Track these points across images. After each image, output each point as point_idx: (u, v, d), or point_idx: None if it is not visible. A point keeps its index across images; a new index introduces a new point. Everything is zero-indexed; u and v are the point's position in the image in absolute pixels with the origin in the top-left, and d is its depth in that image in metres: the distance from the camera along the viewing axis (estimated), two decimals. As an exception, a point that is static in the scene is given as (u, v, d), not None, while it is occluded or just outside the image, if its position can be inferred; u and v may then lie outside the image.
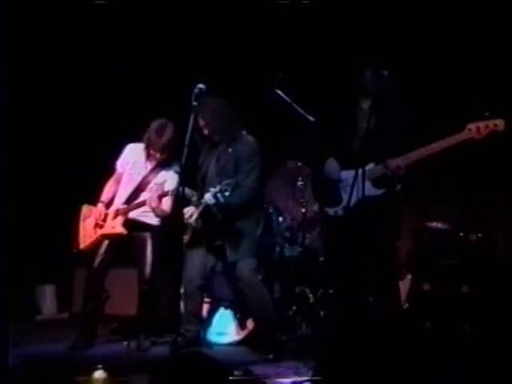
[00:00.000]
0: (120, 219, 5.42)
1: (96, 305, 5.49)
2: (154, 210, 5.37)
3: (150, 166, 5.51)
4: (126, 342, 5.51)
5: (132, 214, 5.44)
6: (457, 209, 6.70)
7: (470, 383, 4.30)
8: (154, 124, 5.39)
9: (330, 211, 4.65)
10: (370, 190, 4.50)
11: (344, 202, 4.44)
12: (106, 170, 5.69)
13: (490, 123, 4.31)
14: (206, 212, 5.06)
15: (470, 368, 4.53)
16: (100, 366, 4.23)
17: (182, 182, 4.80)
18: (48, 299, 7.27)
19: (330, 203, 4.65)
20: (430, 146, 4.43)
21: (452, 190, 6.80)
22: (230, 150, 5.13)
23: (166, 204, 5.40)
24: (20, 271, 5.34)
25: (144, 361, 5.04)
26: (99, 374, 4.21)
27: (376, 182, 4.53)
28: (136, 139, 5.52)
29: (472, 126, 4.34)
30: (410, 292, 5.82)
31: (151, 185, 5.43)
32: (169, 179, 5.43)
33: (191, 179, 5.27)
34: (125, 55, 7.28)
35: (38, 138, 7.14)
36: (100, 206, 5.54)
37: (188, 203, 5.21)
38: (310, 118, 5.26)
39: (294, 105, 5.44)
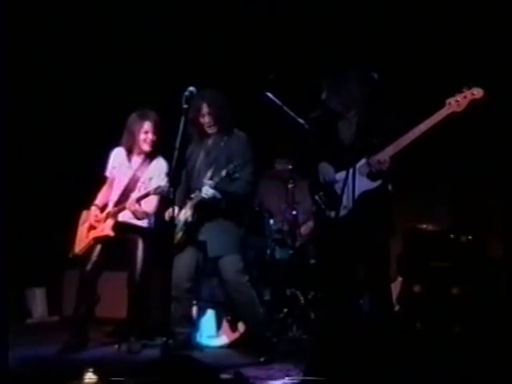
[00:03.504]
0: (110, 222, 5.43)
1: (88, 308, 5.49)
2: (134, 213, 5.38)
3: (134, 165, 5.53)
4: (116, 345, 5.49)
5: (122, 217, 5.44)
6: (447, 211, 6.72)
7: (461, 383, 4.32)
8: (135, 113, 5.48)
9: (333, 214, 4.58)
10: (367, 184, 4.50)
11: (345, 202, 4.43)
12: (100, 175, 5.70)
13: (468, 93, 4.33)
14: (201, 205, 5.04)
15: (461, 369, 4.54)
16: (90, 369, 4.22)
17: (174, 184, 4.80)
18: (38, 302, 7.25)
19: (332, 206, 4.62)
20: (411, 132, 4.40)
21: (442, 192, 6.81)
22: (221, 143, 5.14)
23: (148, 205, 5.39)
24: (10, 274, 5.31)
25: (134, 364, 5.02)
26: (89, 377, 4.20)
27: (371, 176, 4.52)
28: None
29: (451, 100, 4.35)
30: (400, 294, 5.84)
31: (139, 184, 5.44)
32: (155, 176, 5.44)
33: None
34: (116, 57, 7.28)
35: (32, 144, 7.12)
36: (94, 208, 5.56)
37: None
38: (301, 121, 5.26)
39: (285, 107, 5.44)
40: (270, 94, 5.46)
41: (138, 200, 5.32)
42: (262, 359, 4.95)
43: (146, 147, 5.47)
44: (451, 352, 5.05)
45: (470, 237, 5.96)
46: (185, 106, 4.56)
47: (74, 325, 5.47)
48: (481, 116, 6.22)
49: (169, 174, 5.02)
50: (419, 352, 4.89)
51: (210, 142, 5.23)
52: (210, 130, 5.19)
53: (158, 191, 5.21)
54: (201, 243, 5.13)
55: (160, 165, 5.48)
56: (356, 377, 4.10)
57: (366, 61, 4.82)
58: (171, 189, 4.84)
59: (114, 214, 5.44)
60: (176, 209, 5.12)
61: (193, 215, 5.09)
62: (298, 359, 4.74)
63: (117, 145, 5.63)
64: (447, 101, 4.36)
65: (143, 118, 5.43)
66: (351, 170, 4.33)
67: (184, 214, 5.14)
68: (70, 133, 7.31)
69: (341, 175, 4.55)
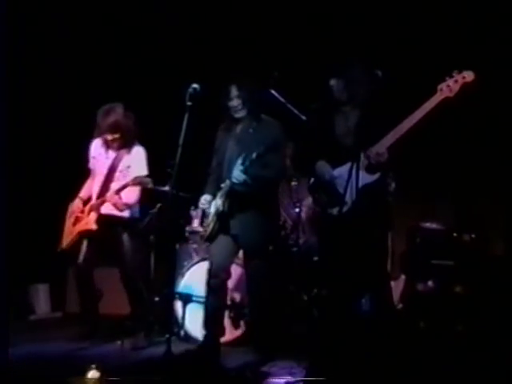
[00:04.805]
0: (93, 215, 5.41)
1: (92, 301, 5.49)
2: (114, 205, 5.36)
3: (111, 155, 5.50)
4: (119, 342, 5.50)
5: (105, 209, 5.42)
6: (450, 209, 6.71)
7: (463, 382, 4.32)
8: (102, 108, 5.43)
9: (334, 211, 4.54)
10: (366, 178, 4.44)
11: (347, 198, 4.41)
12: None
13: (459, 77, 4.30)
14: (231, 193, 4.90)
15: (464, 367, 4.54)
16: (94, 366, 4.22)
17: (176, 181, 4.77)
18: (41, 299, 7.25)
19: (332, 203, 4.58)
20: (405, 121, 4.37)
21: (446, 191, 6.81)
22: (250, 130, 4.98)
23: (128, 196, 5.36)
24: (13, 270, 5.33)
25: (138, 360, 5.03)
26: (93, 374, 4.20)
27: (369, 169, 4.48)
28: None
29: (442, 86, 4.32)
30: (403, 292, 5.83)
31: (117, 173, 5.43)
32: (133, 164, 5.41)
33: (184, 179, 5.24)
34: (118, 54, 7.27)
35: (32, 138, 7.12)
36: (77, 200, 5.56)
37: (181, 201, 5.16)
38: (304, 118, 5.24)
39: (289, 105, 5.43)
40: (274, 92, 5.44)
41: (117, 192, 5.30)
42: (266, 356, 4.89)
43: (112, 144, 5.46)
44: (454, 351, 5.04)
45: (473, 235, 5.95)
46: (188, 104, 4.54)
47: (83, 319, 5.48)
48: (483, 114, 6.27)
49: (172, 167, 4.88)
50: (422, 351, 4.90)
51: (238, 129, 5.09)
52: (238, 115, 5.03)
53: (135, 182, 5.21)
54: (234, 236, 4.99)
55: (138, 153, 5.45)
56: (358, 375, 4.11)
57: (367, 56, 4.81)
58: (149, 179, 4.91)
59: (97, 207, 5.42)
60: (207, 198, 5.07)
61: (223, 204, 4.92)
62: (301, 357, 4.74)
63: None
64: (439, 87, 4.33)
65: (105, 116, 5.38)
66: (354, 166, 4.32)
67: (215, 205, 5.00)
68: (67, 125, 7.30)
69: (339, 171, 4.54)
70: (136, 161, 5.43)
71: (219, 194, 4.98)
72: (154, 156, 5.65)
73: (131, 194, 5.37)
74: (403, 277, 5.93)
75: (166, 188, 5.59)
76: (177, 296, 5.70)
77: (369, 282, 4.59)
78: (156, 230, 6.11)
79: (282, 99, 5.44)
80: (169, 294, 5.35)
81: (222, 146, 5.15)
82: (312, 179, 4.77)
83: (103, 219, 5.41)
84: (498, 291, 5.69)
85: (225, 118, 5.15)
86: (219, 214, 4.96)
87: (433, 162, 6.67)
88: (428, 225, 6.10)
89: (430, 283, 5.80)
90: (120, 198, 5.33)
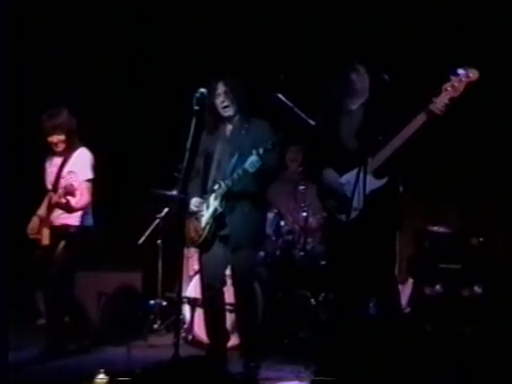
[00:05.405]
0: (46, 231, 5.28)
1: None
2: (60, 207, 5.20)
3: (56, 162, 5.38)
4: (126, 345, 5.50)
5: (56, 221, 5.31)
6: (458, 212, 6.70)
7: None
8: (46, 112, 5.30)
9: (343, 217, 4.50)
10: (373, 183, 4.36)
11: (355, 204, 4.37)
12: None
13: (463, 76, 4.22)
14: (230, 193, 4.78)
15: (470, 371, 4.54)
16: (102, 370, 4.22)
17: (185, 186, 4.75)
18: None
19: (341, 209, 4.53)
20: (412, 123, 4.31)
21: (453, 194, 6.79)
22: (243, 131, 4.86)
23: (77, 199, 5.20)
24: (21, 275, 5.33)
25: (145, 364, 5.02)
26: (101, 378, 4.20)
27: (377, 173, 4.40)
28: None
29: (447, 86, 4.26)
30: (411, 296, 5.82)
31: (61, 180, 5.29)
32: (76, 169, 5.29)
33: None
34: (124, 60, 7.29)
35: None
36: (34, 218, 5.42)
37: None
38: (312, 123, 5.23)
39: (296, 109, 5.41)
40: (280, 96, 5.43)
41: (66, 194, 5.13)
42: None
43: (57, 148, 5.33)
44: (462, 354, 5.04)
45: (481, 239, 5.94)
46: (196, 108, 4.53)
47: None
48: (490, 115, 6.26)
49: (179, 172, 4.77)
50: (429, 354, 4.89)
51: (227, 129, 4.96)
52: (226, 113, 4.90)
53: (64, 191, 5.10)
54: (225, 237, 4.85)
55: (81, 156, 5.34)
56: (365, 379, 4.11)
57: (372, 60, 4.80)
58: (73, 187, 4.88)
59: (46, 219, 5.31)
60: (198, 200, 4.93)
61: (221, 204, 4.79)
62: (309, 361, 4.74)
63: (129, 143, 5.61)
64: (443, 87, 4.27)
65: (50, 119, 5.26)
66: (361, 171, 4.30)
67: (208, 208, 4.86)
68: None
69: (346, 178, 4.53)
70: (79, 165, 5.30)
71: (213, 196, 4.85)
72: (161, 160, 5.65)
73: (79, 198, 5.22)
74: (411, 280, 5.92)
75: (174, 192, 5.62)
76: (185, 300, 5.73)
77: (376, 286, 4.58)
78: (163, 235, 6.14)
79: (289, 103, 5.43)
80: (177, 298, 5.33)
81: (209, 149, 4.98)
82: (320, 187, 4.75)
83: (57, 231, 5.28)
84: (505, 295, 5.68)
85: (210, 119, 4.99)
86: (216, 216, 4.84)
87: (438, 164, 6.66)
88: (436, 228, 6.09)
89: (437, 287, 5.80)
90: (67, 201, 5.14)
